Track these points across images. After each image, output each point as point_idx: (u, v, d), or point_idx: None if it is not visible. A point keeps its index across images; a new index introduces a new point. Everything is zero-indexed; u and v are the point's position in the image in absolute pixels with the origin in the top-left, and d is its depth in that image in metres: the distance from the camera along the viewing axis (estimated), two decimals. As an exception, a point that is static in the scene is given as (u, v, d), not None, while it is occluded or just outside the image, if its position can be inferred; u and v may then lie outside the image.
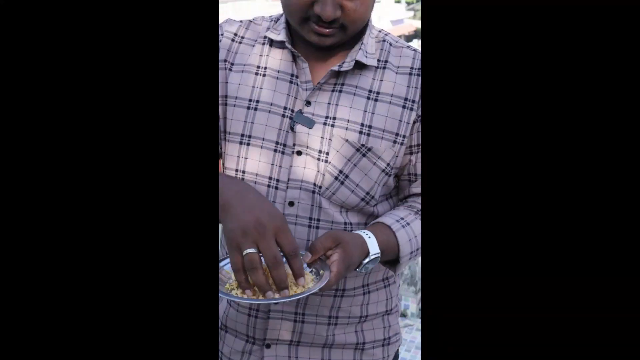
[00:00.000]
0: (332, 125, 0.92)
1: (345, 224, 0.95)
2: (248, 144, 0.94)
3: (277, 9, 0.98)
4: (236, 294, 0.78)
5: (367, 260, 0.85)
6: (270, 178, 0.93)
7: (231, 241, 0.76)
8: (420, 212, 0.95)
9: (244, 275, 0.76)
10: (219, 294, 0.76)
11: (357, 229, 0.94)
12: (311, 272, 0.82)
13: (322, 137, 0.92)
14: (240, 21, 1.01)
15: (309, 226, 0.94)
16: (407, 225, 0.92)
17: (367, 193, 0.95)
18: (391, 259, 0.92)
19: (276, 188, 0.93)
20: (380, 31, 0.97)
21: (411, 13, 26.71)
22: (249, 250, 0.74)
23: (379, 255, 0.86)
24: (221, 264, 0.84)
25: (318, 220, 0.93)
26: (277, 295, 0.75)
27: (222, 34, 0.98)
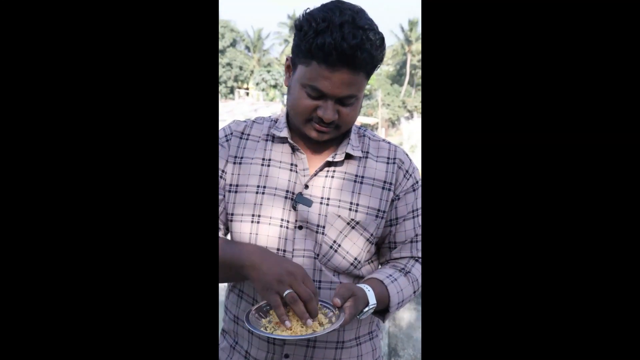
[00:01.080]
0: (327, 204, 1.14)
1: (340, 283, 1.14)
2: (258, 222, 1.14)
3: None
4: (270, 331, 0.97)
5: (366, 309, 1.05)
6: (277, 249, 1.13)
7: (269, 289, 0.97)
8: (402, 271, 1.17)
9: (284, 310, 0.97)
10: (256, 331, 0.96)
11: None
12: (324, 306, 1.03)
13: (319, 214, 1.13)
14: (245, 121, 1.24)
15: None
16: (395, 281, 1.13)
17: (355, 258, 1.16)
18: (382, 309, 1.12)
19: (284, 253, 1.13)
20: (360, 128, 1.23)
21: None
22: (288, 291, 0.95)
23: (376, 305, 1.06)
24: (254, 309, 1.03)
25: (319, 281, 1.13)
26: (310, 331, 0.95)
27: (232, 133, 1.21)
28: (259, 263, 1.01)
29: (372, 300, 1.06)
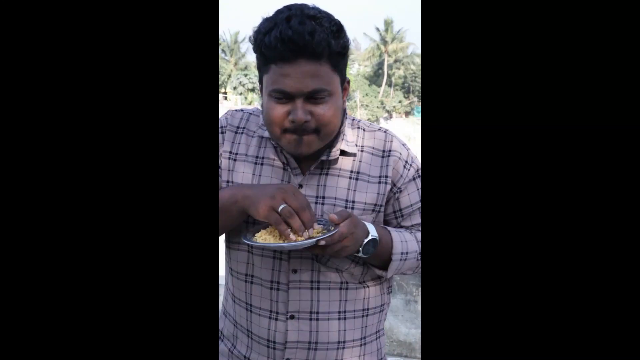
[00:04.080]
0: (322, 204, 1.10)
1: (341, 282, 1.12)
2: (254, 223, 1.11)
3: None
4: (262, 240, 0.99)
5: (367, 239, 1.02)
6: (275, 251, 1.10)
7: (264, 208, 0.97)
8: (407, 230, 1.15)
9: (285, 225, 0.97)
10: (248, 242, 0.99)
11: (351, 285, 1.12)
12: (321, 225, 1.03)
13: (315, 214, 1.10)
14: (242, 112, 1.20)
15: (311, 288, 1.10)
16: (400, 233, 1.11)
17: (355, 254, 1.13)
18: (384, 261, 1.10)
19: (280, 259, 1.10)
20: (354, 119, 1.19)
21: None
22: (283, 206, 0.96)
23: (377, 238, 1.04)
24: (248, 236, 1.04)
25: (318, 282, 1.10)
26: (300, 239, 0.96)
27: (226, 126, 1.17)
28: (250, 191, 1.02)
29: (373, 232, 1.04)
